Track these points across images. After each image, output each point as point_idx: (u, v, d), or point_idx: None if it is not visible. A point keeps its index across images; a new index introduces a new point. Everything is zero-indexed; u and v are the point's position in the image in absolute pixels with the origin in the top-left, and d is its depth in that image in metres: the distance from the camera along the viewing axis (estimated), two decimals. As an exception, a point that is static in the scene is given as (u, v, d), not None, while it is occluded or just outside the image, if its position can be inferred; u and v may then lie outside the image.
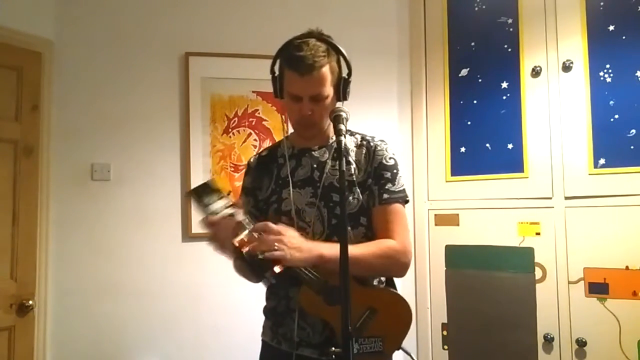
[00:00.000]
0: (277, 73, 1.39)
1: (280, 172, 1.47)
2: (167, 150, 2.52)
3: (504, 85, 2.42)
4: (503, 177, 2.40)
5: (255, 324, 1.51)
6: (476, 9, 2.54)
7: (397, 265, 1.37)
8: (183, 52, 2.54)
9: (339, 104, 1.38)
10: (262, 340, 1.49)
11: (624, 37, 2.13)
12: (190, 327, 2.45)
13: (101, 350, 2.37)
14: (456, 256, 2.52)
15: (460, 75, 2.57)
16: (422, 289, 2.61)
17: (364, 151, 1.44)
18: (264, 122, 2.61)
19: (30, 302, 2.23)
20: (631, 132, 2.09)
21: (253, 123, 2.61)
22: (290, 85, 1.35)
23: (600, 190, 2.14)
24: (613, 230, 2.10)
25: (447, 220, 2.56)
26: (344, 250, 1.06)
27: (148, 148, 2.50)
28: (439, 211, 2.59)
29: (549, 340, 2.22)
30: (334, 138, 1.44)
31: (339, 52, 1.36)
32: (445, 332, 2.53)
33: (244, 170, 1.60)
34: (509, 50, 2.42)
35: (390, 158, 1.44)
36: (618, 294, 2.08)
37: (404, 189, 1.43)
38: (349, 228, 1.37)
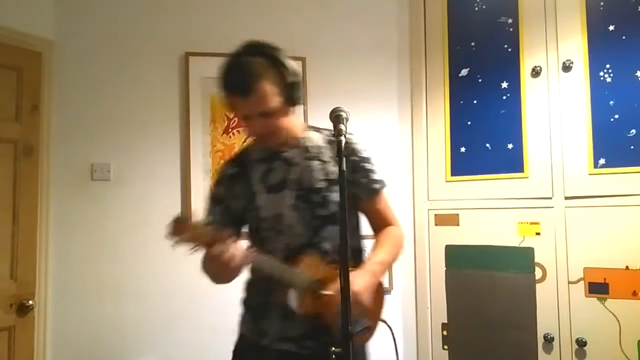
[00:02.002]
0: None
1: (253, 178, 1.45)
2: (167, 150, 2.52)
3: (504, 85, 2.42)
4: (503, 177, 2.40)
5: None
6: (476, 9, 2.54)
7: (403, 247, 1.52)
8: (183, 52, 2.54)
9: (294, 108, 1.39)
10: (240, 333, 1.48)
11: (624, 37, 2.13)
12: (191, 327, 2.45)
13: (101, 350, 2.37)
14: (456, 256, 2.52)
15: (460, 75, 2.57)
16: (422, 289, 2.61)
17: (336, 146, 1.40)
18: (264, 122, 2.61)
19: (30, 302, 2.23)
20: (631, 132, 2.09)
21: (253, 123, 2.60)
22: (235, 107, 1.35)
23: (600, 190, 2.14)
24: (613, 230, 2.10)
25: (447, 220, 2.56)
26: (343, 247, 1.06)
27: (148, 148, 2.50)
28: (439, 211, 2.59)
29: (549, 340, 2.22)
30: (303, 135, 1.46)
31: (276, 61, 1.32)
32: (445, 332, 2.53)
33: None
34: (509, 50, 2.42)
35: (364, 149, 1.46)
36: (618, 294, 2.08)
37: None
38: (332, 226, 1.37)
